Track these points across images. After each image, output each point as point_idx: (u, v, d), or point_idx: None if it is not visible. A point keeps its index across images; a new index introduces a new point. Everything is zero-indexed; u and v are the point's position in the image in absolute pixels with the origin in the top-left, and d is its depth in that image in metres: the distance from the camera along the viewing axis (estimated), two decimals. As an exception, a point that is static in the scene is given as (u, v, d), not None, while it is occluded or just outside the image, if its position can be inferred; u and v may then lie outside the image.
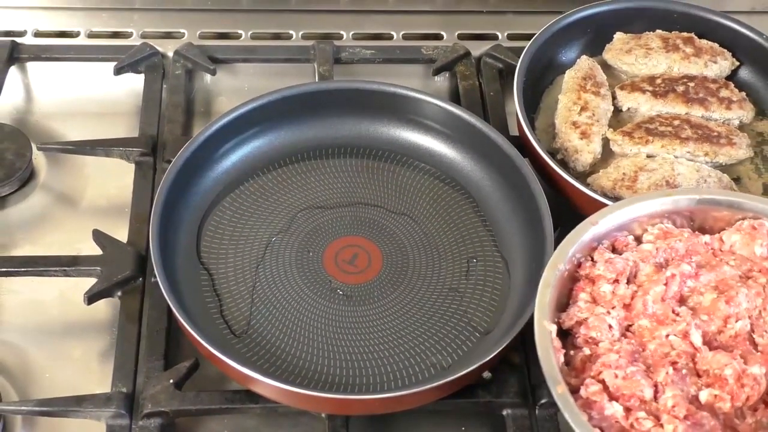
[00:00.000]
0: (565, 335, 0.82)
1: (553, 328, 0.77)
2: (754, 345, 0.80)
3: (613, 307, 0.81)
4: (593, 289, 0.83)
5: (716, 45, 1.14)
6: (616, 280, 0.83)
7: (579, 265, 0.85)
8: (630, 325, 0.81)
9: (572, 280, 0.85)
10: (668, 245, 0.86)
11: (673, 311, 0.81)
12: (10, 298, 0.97)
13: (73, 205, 1.07)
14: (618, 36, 1.15)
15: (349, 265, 0.97)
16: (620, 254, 0.85)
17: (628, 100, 1.08)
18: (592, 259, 0.85)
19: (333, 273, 0.96)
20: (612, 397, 0.75)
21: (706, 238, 0.88)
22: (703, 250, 0.87)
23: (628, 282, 0.83)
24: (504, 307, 0.94)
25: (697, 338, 0.79)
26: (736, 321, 0.80)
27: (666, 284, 0.82)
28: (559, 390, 0.73)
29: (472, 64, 1.21)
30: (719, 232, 0.88)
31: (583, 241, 0.84)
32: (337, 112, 1.07)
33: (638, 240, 0.88)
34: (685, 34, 1.14)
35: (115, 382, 0.87)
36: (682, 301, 0.83)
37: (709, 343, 0.80)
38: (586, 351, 0.79)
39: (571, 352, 0.80)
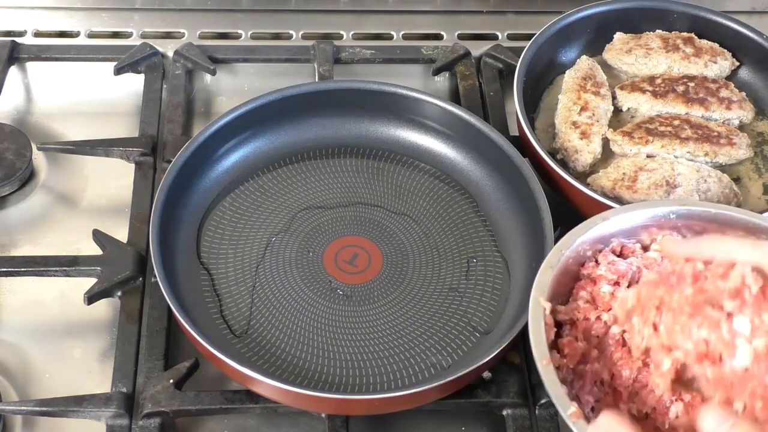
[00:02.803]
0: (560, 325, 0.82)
1: (548, 305, 0.77)
2: None
3: (610, 309, 0.81)
4: (593, 288, 0.83)
5: (716, 45, 1.14)
6: (617, 282, 0.83)
7: (582, 264, 0.85)
8: (625, 331, 0.81)
9: (574, 279, 0.84)
10: None
11: None
12: (10, 298, 0.97)
13: (73, 205, 1.07)
14: (618, 36, 1.15)
15: (349, 265, 0.97)
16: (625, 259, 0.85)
17: (628, 100, 1.08)
18: (596, 261, 0.85)
19: (333, 273, 0.96)
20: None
21: None
22: None
23: (630, 287, 0.83)
24: (504, 307, 0.94)
25: None
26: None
27: None
28: (544, 362, 0.73)
29: (472, 64, 1.21)
30: None
31: (590, 234, 0.84)
32: (337, 112, 1.07)
33: (645, 249, 0.87)
34: (685, 34, 1.14)
35: (115, 382, 0.87)
36: None
37: None
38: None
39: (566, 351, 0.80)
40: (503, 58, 1.20)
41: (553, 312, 0.80)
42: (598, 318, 0.81)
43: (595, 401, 0.78)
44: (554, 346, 0.79)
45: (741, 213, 0.85)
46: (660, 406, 0.76)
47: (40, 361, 0.92)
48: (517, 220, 1.00)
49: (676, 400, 0.76)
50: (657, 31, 1.15)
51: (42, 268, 0.95)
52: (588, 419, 0.71)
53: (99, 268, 0.94)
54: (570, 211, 0.96)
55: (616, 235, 0.86)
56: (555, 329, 0.79)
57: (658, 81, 1.09)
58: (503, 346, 0.83)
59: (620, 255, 0.86)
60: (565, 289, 0.84)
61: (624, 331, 0.80)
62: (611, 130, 1.04)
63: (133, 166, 1.06)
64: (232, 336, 0.90)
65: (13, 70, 1.18)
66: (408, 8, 1.30)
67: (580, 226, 0.84)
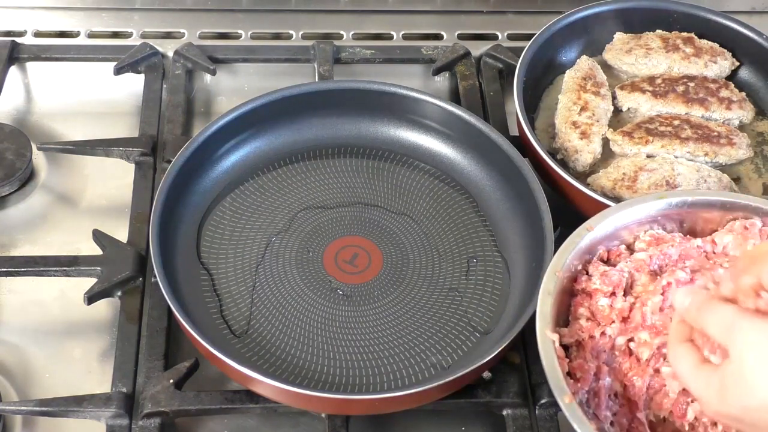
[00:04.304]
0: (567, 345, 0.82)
1: (556, 337, 0.77)
2: None
3: (612, 322, 0.81)
4: (591, 303, 0.83)
5: (716, 45, 1.14)
6: (613, 293, 0.82)
7: (575, 279, 0.84)
8: (630, 340, 0.81)
9: (570, 294, 0.84)
10: (661, 251, 0.85)
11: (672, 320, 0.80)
12: (10, 298, 0.97)
13: (73, 205, 1.07)
14: (618, 36, 1.15)
15: (349, 265, 0.97)
16: (614, 265, 0.85)
17: (628, 100, 1.08)
18: (587, 273, 0.85)
19: (333, 273, 0.96)
20: None
21: (698, 241, 0.87)
22: (696, 253, 0.86)
23: (625, 294, 0.83)
24: (504, 307, 0.94)
25: None
26: None
27: (663, 293, 0.81)
28: (566, 400, 0.73)
29: (472, 64, 1.21)
30: (710, 234, 0.88)
31: (580, 247, 0.84)
32: (337, 112, 1.07)
33: (630, 248, 0.87)
34: (685, 34, 1.15)
35: (115, 382, 0.87)
36: None
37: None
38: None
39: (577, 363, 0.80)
40: (503, 58, 1.20)
41: (558, 337, 0.80)
42: (603, 333, 0.81)
43: (613, 414, 0.78)
44: (566, 372, 0.79)
45: (716, 195, 0.88)
46: (676, 408, 0.77)
47: (40, 361, 0.92)
48: (517, 220, 0.99)
49: (692, 402, 0.76)
50: (657, 31, 1.15)
51: (42, 268, 0.95)
52: None
53: (99, 268, 0.94)
54: (570, 211, 0.96)
55: (601, 242, 0.86)
56: (567, 359, 0.79)
57: (658, 81, 1.09)
58: (503, 346, 0.83)
59: (607, 260, 0.86)
60: (563, 308, 0.83)
61: (629, 340, 0.80)
62: (611, 130, 1.04)
63: (133, 166, 1.06)
64: (232, 336, 0.90)
65: (13, 70, 1.18)
66: (408, 8, 1.30)
67: (567, 242, 0.83)
